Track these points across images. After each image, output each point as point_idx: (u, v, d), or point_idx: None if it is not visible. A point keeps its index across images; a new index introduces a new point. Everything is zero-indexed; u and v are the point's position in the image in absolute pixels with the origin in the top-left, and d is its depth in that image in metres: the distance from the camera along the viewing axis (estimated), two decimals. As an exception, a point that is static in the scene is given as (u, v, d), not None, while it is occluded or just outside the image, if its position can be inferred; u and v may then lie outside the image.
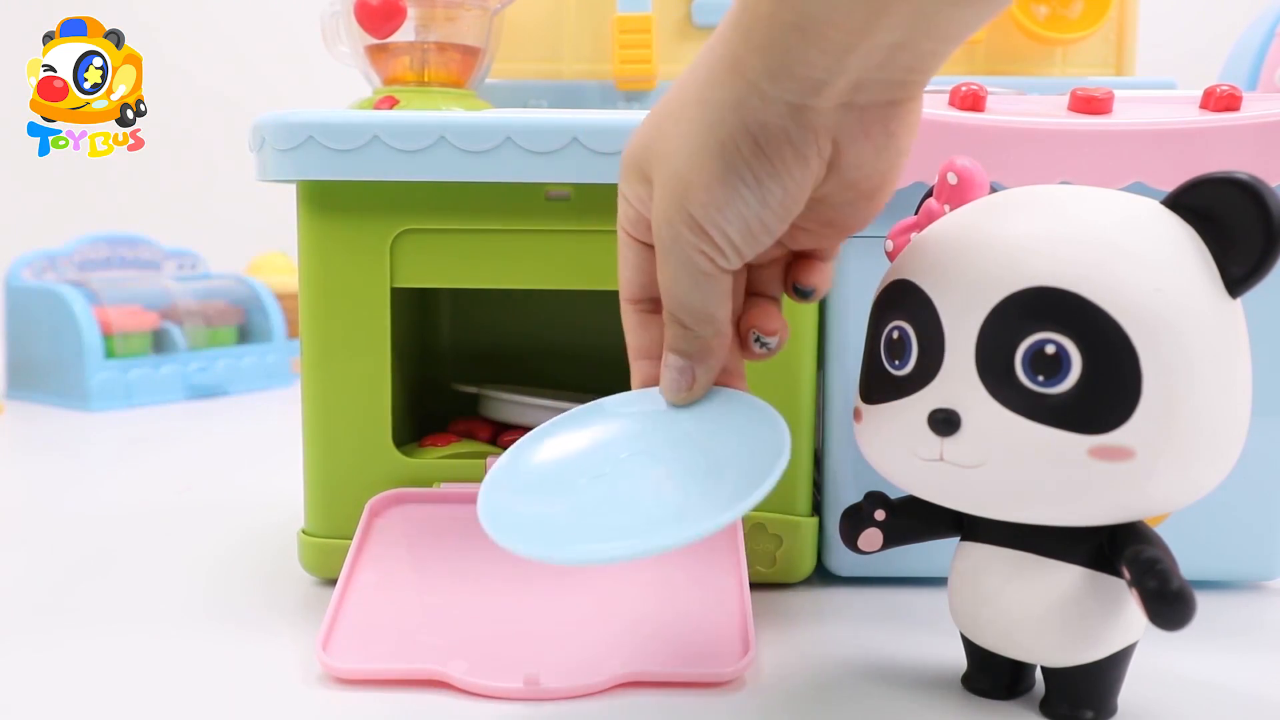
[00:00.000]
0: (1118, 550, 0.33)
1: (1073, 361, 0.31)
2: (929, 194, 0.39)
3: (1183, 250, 0.32)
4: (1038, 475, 0.32)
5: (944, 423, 0.33)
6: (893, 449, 0.35)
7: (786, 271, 0.37)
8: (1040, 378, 0.31)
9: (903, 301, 0.35)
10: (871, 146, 0.31)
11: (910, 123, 0.32)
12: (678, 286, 0.33)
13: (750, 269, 0.37)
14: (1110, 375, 0.31)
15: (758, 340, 0.37)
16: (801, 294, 0.37)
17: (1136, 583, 0.31)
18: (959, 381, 0.33)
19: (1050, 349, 0.31)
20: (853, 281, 0.48)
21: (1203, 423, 0.31)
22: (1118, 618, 0.34)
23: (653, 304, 0.36)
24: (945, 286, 0.34)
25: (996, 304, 0.32)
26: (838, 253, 0.37)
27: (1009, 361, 0.32)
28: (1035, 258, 0.32)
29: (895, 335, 0.35)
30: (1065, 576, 0.34)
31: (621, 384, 0.38)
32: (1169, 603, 0.30)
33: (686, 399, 0.36)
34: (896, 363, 0.35)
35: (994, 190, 0.37)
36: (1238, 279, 0.32)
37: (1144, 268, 0.31)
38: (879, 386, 0.36)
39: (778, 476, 0.32)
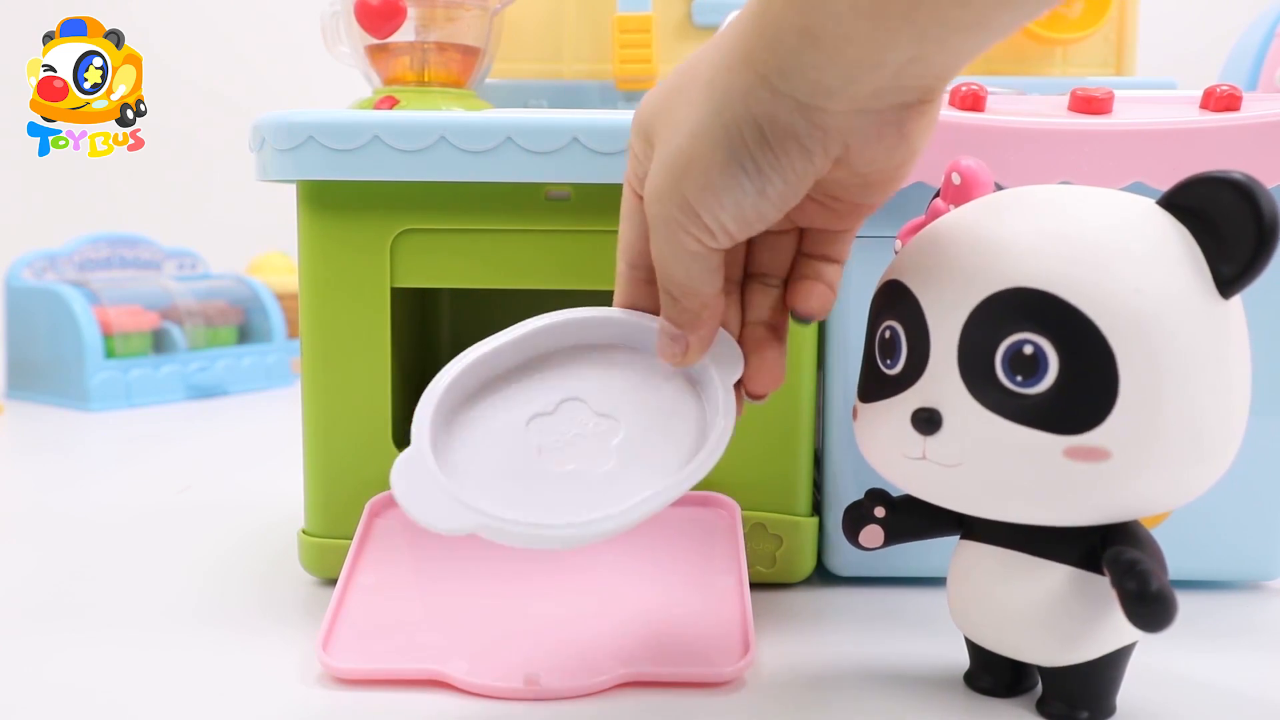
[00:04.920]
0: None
1: (1050, 362, 0.31)
2: (938, 194, 0.39)
3: (1169, 250, 0.32)
4: (1015, 475, 0.32)
5: (926, 422, 0.33)
6: (883, 447, 0.36)
7: (787, 287, 0.37)
8: (1019, 378, 0.32)
9: (894, 301, 0.35)
10: (884, 147, 0.31)
11: (926, 124, 0.31)
12: (664, 261, 0.34)
13: (756, 242, 0.37)
14: (1086, 376, 0.31)
15: (793, 316, 0.37)
16: (800, 320, 0.37)
17: (1116, 584, 0.31)
18: (942, 381, 0.33)
19: (1028, 349, 0.31)
20: (853, 282, 0.48)
21: (1187, 424, 0.31)
22: (1110, 618, 0.34)
23: (649, 274, 0.36)
24: (931, 286, 0.34)
25: (978, 304, 0.32)
26: (848, 251, 0.37)
27: (989, 361, 0.32)
28: (1016, 258, 0.32)
29: (887, 335, 0.35)
30: (1056, 576, 0.34)
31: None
32: (1148, 604, 0.30)
33: (680, 365, 0.36)
34: (888, 362, 0.35)
35: (999, 190, 0.38)
36: (1229, 279, 0.32)
37: (1125, 268, 0.31)
38: (873, 385, 0.36)
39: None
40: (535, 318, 0.38)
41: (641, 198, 0.35)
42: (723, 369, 0.36)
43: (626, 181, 0.36)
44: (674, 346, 0.36)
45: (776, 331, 0.38)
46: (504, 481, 0.35)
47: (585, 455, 0.36)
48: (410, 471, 0.34)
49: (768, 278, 0.38)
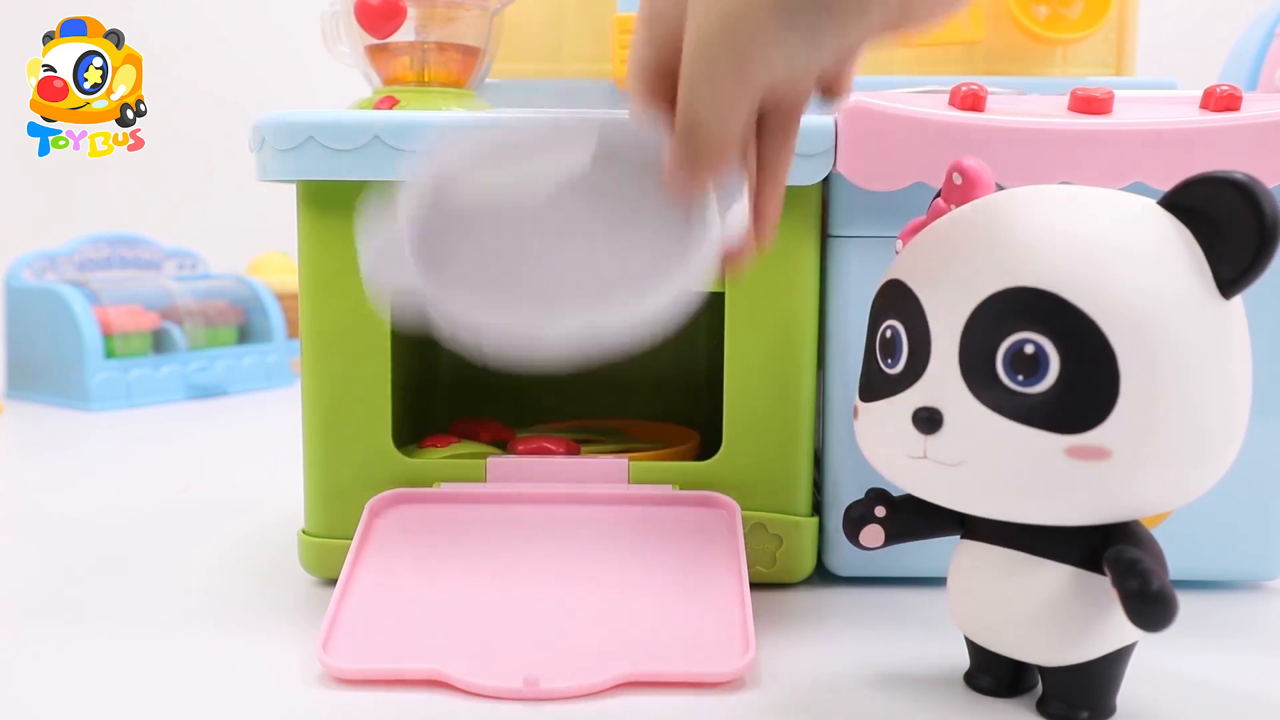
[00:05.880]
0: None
1: (1051, 361, 0.31)
2: (939, 194, 0.39)
3: (1171, 250, 0.32)
4: (1016, 474, 0.32)
5: (927, 421, 0.33)
6: (884, 446, 0.36)
7: None
8: (1020, 377, 0.32)
9: (895, 301, 0.35)
10: None
11: None
12: (697, 106, 0.32)
13: None
14: (1087, 375, 0.31)
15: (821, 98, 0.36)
16: (829, 101, 0.36)
17: (1117, 583, 0.31)
18: (943, 380, 0.33)
19: (1029, 349, 0.31)
20: (853, 282, 0.48)
21: (1187, 423, 0.31)
22: (1110, 618, 0.34)
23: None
24: (932, 286, 0.34)
25: (979, 303, 0.32)
26: None
27: (990, 361, 0.32)
28: (1017, 258, 0.32)
29: (888, 334, 0.35)
30: (1056, 576, 0.34)
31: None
32: (1148, 603, 0.30)
33: (686, 196, 0.34)
34: (889, 361, 0.35)
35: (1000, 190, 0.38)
36: (1230, 280, 0.32)
37: (1126, 268, 0.31)
38: (874, 385, 0.36)
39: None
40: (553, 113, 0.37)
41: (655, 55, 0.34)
42: (722, 196, 0.35)
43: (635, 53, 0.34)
44: (687, 182, 0.34)
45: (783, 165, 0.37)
46: (479, 237, 0.35)
47: (570, 221, 0.35)
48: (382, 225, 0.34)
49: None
